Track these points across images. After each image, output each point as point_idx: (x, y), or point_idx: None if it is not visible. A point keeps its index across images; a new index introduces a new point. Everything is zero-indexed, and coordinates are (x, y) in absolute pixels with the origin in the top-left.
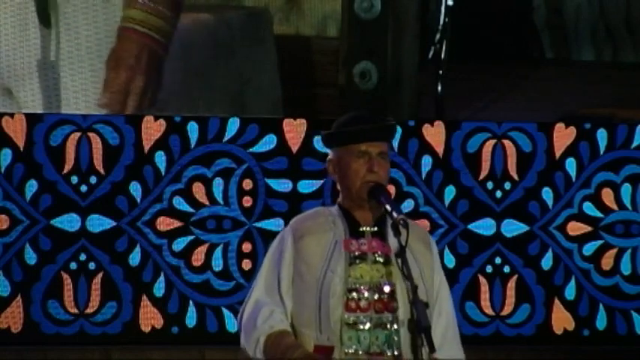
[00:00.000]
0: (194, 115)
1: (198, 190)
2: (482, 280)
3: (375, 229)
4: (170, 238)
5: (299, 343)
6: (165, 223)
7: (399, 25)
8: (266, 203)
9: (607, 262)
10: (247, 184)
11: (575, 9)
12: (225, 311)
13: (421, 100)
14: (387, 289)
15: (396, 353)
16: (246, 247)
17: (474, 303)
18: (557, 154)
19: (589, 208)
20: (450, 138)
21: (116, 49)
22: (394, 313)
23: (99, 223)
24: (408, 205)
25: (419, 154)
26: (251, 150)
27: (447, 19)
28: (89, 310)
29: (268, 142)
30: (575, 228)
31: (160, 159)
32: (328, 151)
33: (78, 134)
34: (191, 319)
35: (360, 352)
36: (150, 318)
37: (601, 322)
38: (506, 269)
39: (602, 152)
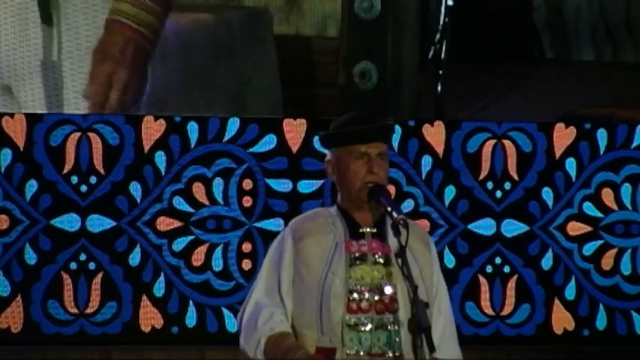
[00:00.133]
0: (194, 115)
1: (198, 190)
2: (482, 280)
3: (375, 230)
4: (170, 238)
5: (300, 345)
6: (165, 223)
7: (399, 25)
8: (266, 203)
9: (607, 262)
10: (247, 184)
11: (575, 9)
12: (226, 311)
13: (421, 100)
14: (387, 289)
15: (397, 354)
16: (246, 247)
17: (474, 303)
18: (557, 154)
19: (589, 208)
20: (450, 138)
21: (103, 40)
22: (395, 313)
23: (99, 223)
24: (408, 205)
25: (419, 154)
26: (251, 150)
27: (447, 19)
28: (89, 310)
29: (268, 142)
30: (575, 228)
31: (160, 159)
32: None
33: (78, 134)
34: (191, 319)
35: (362, 353)
36: (150, 318)
37: (601, 322)
38: (506, 269)
39: (602, 152)
